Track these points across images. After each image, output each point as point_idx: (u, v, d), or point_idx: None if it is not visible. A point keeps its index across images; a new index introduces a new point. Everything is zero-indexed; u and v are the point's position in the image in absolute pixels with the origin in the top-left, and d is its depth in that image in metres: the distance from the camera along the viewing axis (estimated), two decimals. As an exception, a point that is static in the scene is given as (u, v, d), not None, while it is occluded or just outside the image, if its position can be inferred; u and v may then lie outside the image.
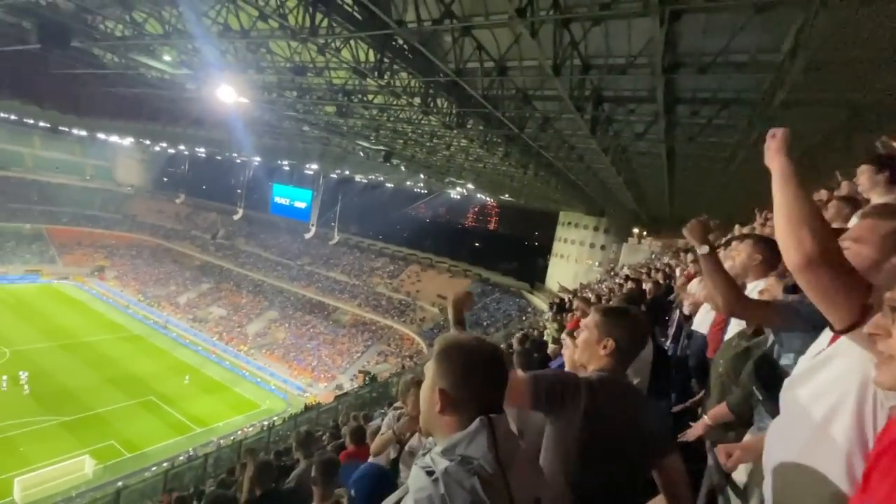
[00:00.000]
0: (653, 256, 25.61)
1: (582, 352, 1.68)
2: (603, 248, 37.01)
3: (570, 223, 38.93)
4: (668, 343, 4.09)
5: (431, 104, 12.10)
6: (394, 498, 0.99)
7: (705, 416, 1.91)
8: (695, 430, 1.89)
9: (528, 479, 1.02)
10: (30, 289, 39.22)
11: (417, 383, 2.66)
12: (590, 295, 9.58)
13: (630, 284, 5.12)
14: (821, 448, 1.06)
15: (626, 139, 12.69)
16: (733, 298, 1.58)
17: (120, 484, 13.79)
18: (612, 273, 23.33)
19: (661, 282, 4.81)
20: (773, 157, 1.16)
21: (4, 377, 23.16)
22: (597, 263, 36.48)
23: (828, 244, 0.99)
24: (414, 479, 0.94)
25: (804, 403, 1.15)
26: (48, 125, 38.96)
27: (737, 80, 8.20)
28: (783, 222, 1.03)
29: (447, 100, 12.23)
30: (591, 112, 10.58)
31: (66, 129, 40.30)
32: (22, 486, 16.24)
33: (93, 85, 22.54)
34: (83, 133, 41.65)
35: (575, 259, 38.06)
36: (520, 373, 1.51)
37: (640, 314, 1.81)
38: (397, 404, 3.83)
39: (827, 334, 1.18)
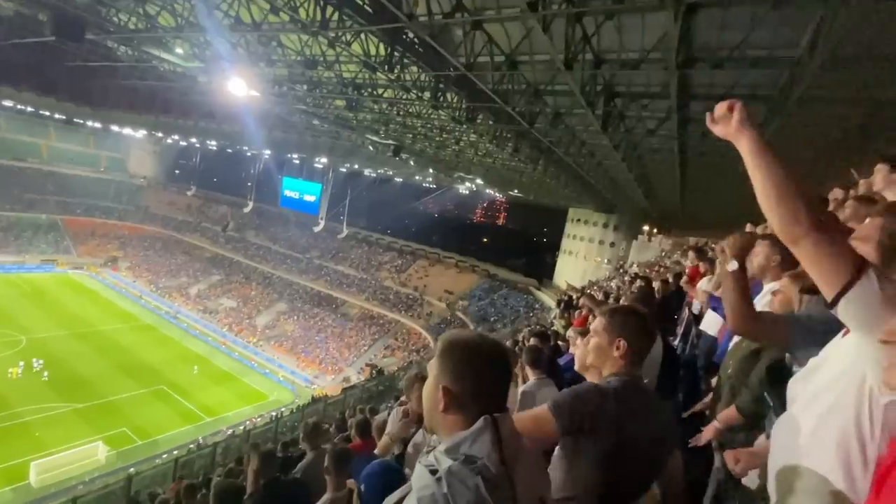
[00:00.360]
0: (663, 254, 25.37)
1: (595, 357, 1.67)
2: (612, 245, 36.75)
3: (579, 220, 38.69)
4: (676, 342, 4.06)
5: (441, 98, 12.05)
6: (396, 496, 0.98)
7: (715, 420, 1.89)
8: (706, 434, 1.87)
9: (533, 479, 1.01)
10: (46, 278, 40.01)
11: (421, 378, 2.67)
12: (597, 292, 9.53)
13: (640, 283, 5.06)
14: (819, 446, 1.05)
15: (638, 135, 12.55)
16: (745, 319, 1.61)
17: (132, 470, 14.01)
18: (621, 270, 23.18)
19: (669, 280, 4.75)
20: (740, 129, 1.10)
21: (21, 363, 23.74)
22: (606, 261, 36.25)
23: (818, 212, 0.99)
24: (417, 478, 0.94)
25: (804, 402, 1.15)
26: (63, 117, 39.57)
27: (753, 76, 8.05)
28: (773, 196, 1.01)
29: (457, 94, 12.19)
30: (603, 107, 10.48)
31: (81, 122, 40.90)
32: (37, 470, 16.66)
33: (106, 77, 22.82)
34: (97, 125, 42.23)
35: (584, 256, 37.86)
36: (537, 408, 1.50)
37: (645, 311, 1.81)
38: (403, 398, 3.86)
39: (838, 337, 1.17)
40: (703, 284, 3.39)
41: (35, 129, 49.33)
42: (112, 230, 50.87)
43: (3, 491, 15.97)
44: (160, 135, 46.12)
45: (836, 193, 4.22)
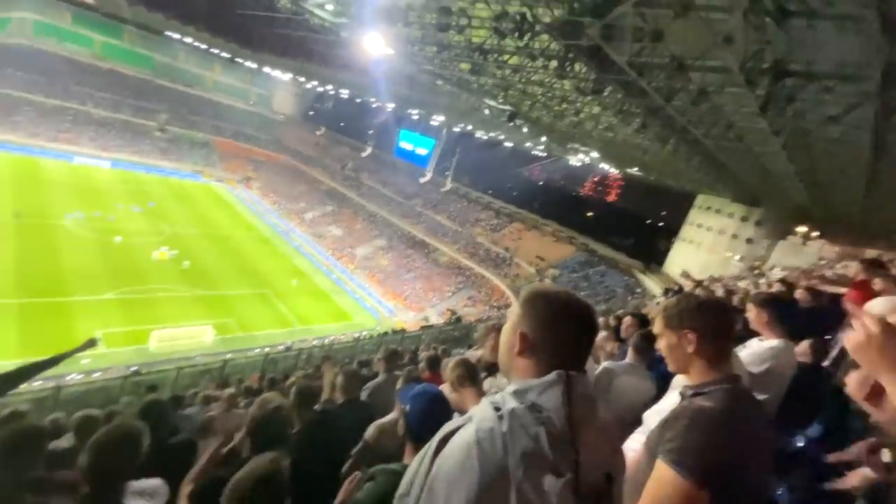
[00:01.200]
0: (822, 262, 21.02)
1: (674, 362, 1.44)
2: (749, 241, 31.05)
3: (709, 208, 33.75)
4: (826, 364, 3.31)
5: (568, 68, 11.15)
6: (454, 424, 0.95)
7: (866, 468, 1.46)
8: (851, 479, 1.46)
9: (601, 451, 0.92)
10: (193, 185, 47.37)
11: (497, 329, 2.64)
12: (719, 288, 8.35)
13: (781, 287, 4.19)
14: None
15: (812, 122, 10.31)
16: None
17: (229, 356, 15.46)
18: (756, 272, 20.00)
19: (819, 291, 3.78)
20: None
21: (163, 248, 28.33)
22: (738, 257, 31.09)
23: None
24: (481, 410, 0.92)
25: None
26: (228, 55, 46.37)
27: None
28: None
29: (586, 64, 11.10)
30: (767, 87, 8.69)
31: (241, 61, 47.31)
32: (157, 338, 19.61)
33: (266, 26, 26.01)
34: (253, 65, 48.36)
35: (708, 248, 33.07)
36: (671, 476, 1.15)
37: (705, 295, 1.50)
38: (475, 347, 3.82)
39: None
40: (877, 305, 2.44)
41: (204, 63, 58.89)
42: (251, 154, 58.32)
43: (127, 349, 18.87)
44: (302, 79, 50.54)
45: None
